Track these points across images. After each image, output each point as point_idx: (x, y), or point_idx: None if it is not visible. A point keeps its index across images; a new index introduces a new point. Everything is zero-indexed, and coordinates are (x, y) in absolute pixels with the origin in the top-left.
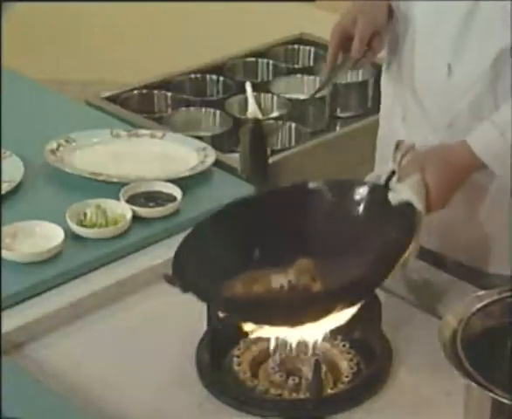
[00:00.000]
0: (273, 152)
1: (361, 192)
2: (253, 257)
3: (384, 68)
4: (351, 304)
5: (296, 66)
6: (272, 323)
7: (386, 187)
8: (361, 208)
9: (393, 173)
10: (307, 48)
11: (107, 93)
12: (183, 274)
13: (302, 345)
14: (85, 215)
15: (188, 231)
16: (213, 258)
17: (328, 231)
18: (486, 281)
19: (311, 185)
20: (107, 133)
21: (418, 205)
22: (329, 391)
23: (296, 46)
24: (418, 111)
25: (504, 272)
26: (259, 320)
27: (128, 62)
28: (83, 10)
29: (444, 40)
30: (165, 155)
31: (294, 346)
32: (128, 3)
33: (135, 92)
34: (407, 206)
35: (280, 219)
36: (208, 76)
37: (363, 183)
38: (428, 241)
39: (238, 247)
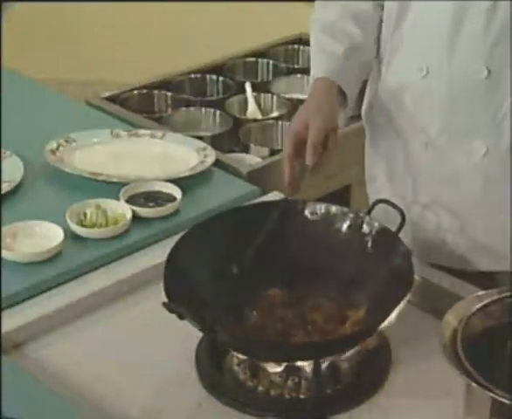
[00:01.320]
0: (273, 152)
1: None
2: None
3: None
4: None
5: (296, 66)
6: (264, 361)
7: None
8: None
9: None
10: (307, 48)
11: (107, 93)
12: (176, 296)
13: None
14: (85, 215)
15: (173, 245)
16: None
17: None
18: (486, 280)
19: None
20: (107, 133)
21: None
22: (329, 391)
23: (296, 46)
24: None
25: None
26: (251, 356)
27: (128, 62)
28: (83, 10)
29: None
30: (165, 155)
31: None
32: (127, 3)
33: (135, 92)
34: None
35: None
36: (208, 76)
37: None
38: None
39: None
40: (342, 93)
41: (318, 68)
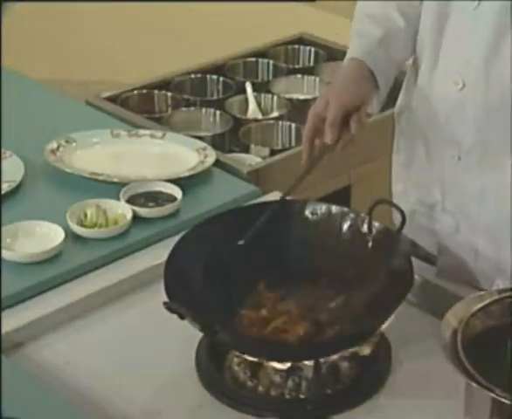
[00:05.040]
0: (273, 152)
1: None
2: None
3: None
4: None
5: (296, 66)
6: (264, 361)
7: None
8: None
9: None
10: (307, 48)
11: (107, 93)
12: (176, 296)
13: None
14: (85, 215)
15: (173, 247)
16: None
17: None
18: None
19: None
20: (107, 133)
21: None
22: (329, 391)
23: (296, 46)
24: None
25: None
26: (251, 356)
27: (128, 62)
28: (83, 10)
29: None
30: (165, 155)
31: None
32: (128, 3)
33: (135, 92)
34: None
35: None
36: (208, 76)
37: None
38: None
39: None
40: (375, 79)
41: (353, 49)
